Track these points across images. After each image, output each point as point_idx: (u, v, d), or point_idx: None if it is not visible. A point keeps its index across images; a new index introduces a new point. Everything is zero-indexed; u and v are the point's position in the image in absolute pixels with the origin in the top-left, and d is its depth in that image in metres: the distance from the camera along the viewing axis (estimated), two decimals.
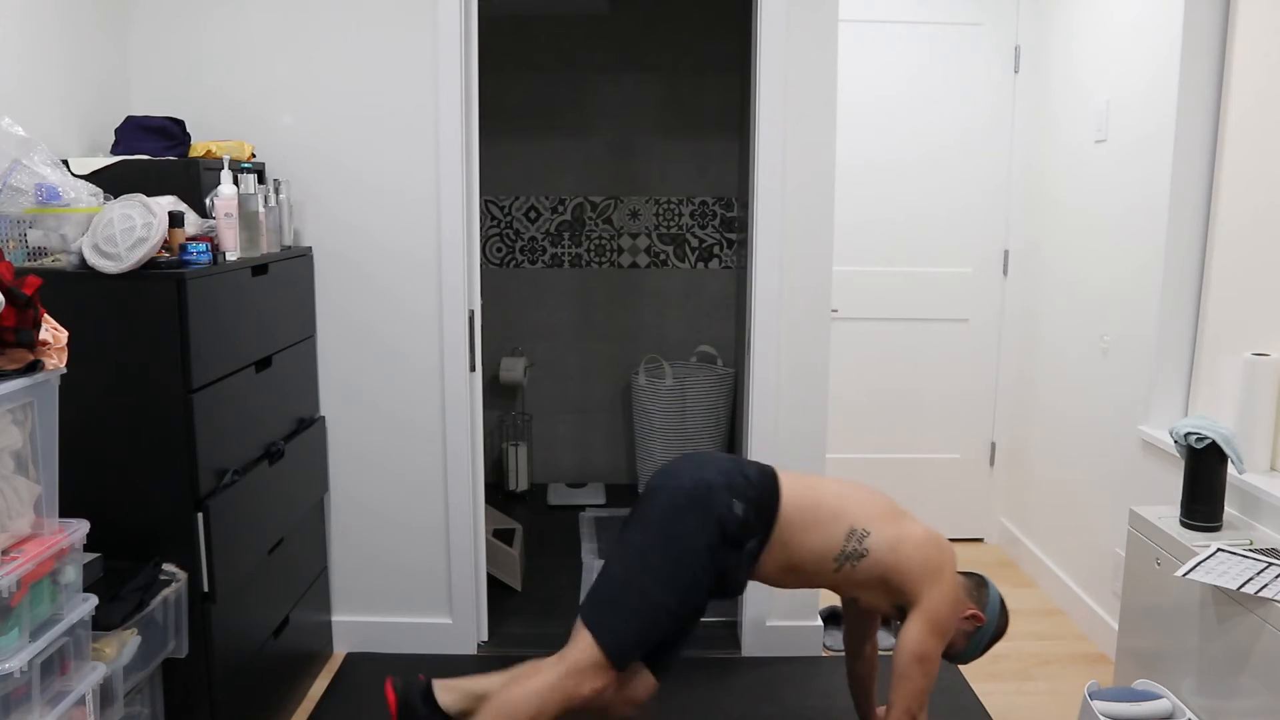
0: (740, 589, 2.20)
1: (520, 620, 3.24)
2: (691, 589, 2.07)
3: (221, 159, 2.48)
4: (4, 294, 1.56)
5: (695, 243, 4.57)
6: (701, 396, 4.30)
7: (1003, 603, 2.31)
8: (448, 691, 2.21)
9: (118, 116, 2.71)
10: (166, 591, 2.07)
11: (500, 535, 3.57)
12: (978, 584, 2.31)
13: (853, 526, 2.14)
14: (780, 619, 3.05)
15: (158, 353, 2.07)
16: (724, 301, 4.62)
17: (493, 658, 3.03)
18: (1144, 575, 2.47)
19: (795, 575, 2.19)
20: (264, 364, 2.49)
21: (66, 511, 1.78)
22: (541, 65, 4.42)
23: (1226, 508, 2.42)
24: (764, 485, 2.14)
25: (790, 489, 2.16)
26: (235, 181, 2.38)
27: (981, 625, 2.26)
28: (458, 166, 2.82)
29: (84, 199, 2.10)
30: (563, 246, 4.57)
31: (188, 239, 2.20)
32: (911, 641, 2.13)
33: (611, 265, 4.59)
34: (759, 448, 2.98)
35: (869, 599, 2.23)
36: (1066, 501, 3.41)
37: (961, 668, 2.96)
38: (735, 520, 2.08)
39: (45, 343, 1.67)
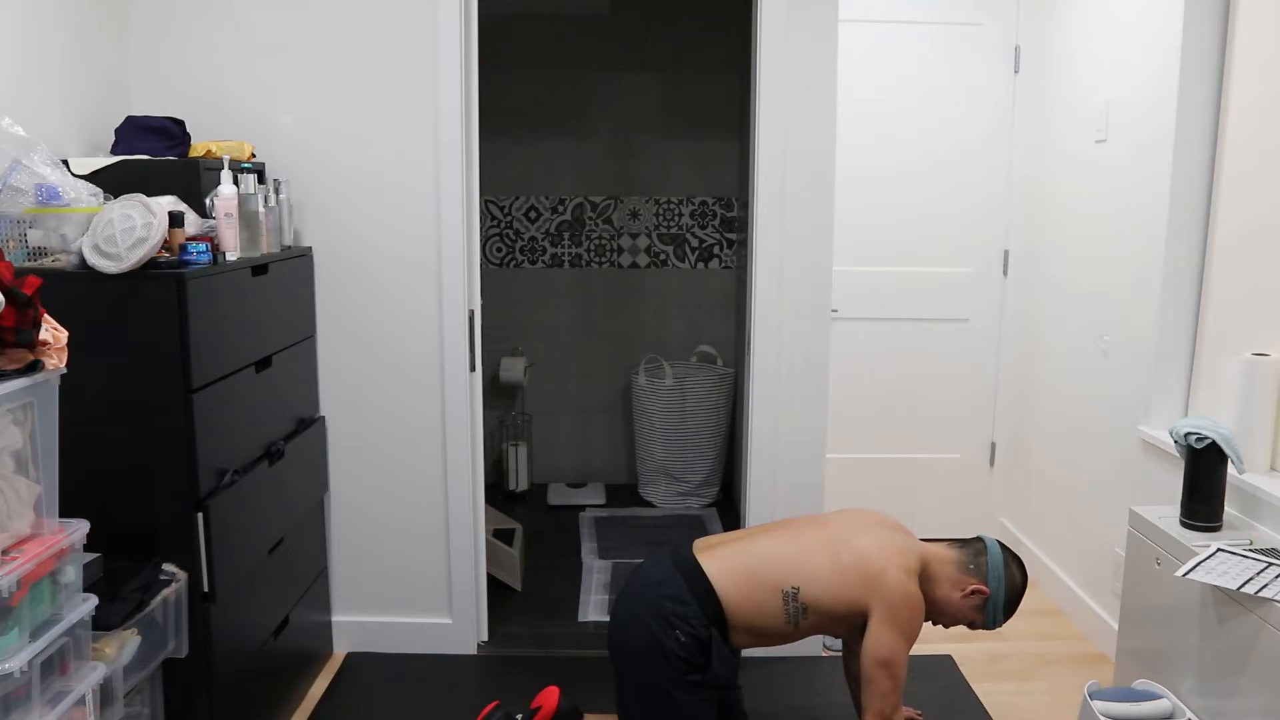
0: (734, 674, 2.25)
1: (520, 620, 3.24)
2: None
3: (221, 159, 2.47)
4: (4, 294, 1.56)
5: (695, 243, 4.57)
6: (701, 396, 4.30)
7: (1009, 559, 2.26)
8: None
9: (118, 116, 2.71)
10: (166, 591, 2.07)
11: (500, 535, 3.57)
12: (975, 553, 2.27)
13: (782, 589, 2.17)
14: None
15: (158, 353, 2.07)
16: (724, 301, 4.62)
17: (492, 658, 3.03)
18: (1144, 575, 2.47)
19: (769, 639, 2.25)
20: (264, 364, 2.49)
21: (66, 511, 1.77)
22: (541, 65, 4.42)
23: (1226, 508, 2.42)
24: (696, 591, 2.17)
25: (721, 575, 2.19)
26: (235, 181, 2.38)
27: (988, 595, 2.23)
28: (458, 166, 2.81)
29: (84, 199, 2.10)
30: (563, 246, 4.57)
31: (188, 239, 2.20)
32: (872, 645, 2.14)
33: (611, 265, 4.59)
34: (759, 448, 2.98)
35: (836, 634, 2.29)
36: (1066, 501, 3.41)
37: (961, 668, 2.96)
38: (689, 648, 2.15)
39: (45, 343, 1.67)
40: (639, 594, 2.23)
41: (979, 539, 2.31)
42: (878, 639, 2.13)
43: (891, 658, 2.13)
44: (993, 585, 2.23)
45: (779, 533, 2.30)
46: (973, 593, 2.23)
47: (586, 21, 4.39)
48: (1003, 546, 2.29)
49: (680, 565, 2.22)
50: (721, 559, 2.22)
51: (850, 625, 2.22)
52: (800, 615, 2.18)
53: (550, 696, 2.54)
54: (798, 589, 2.17)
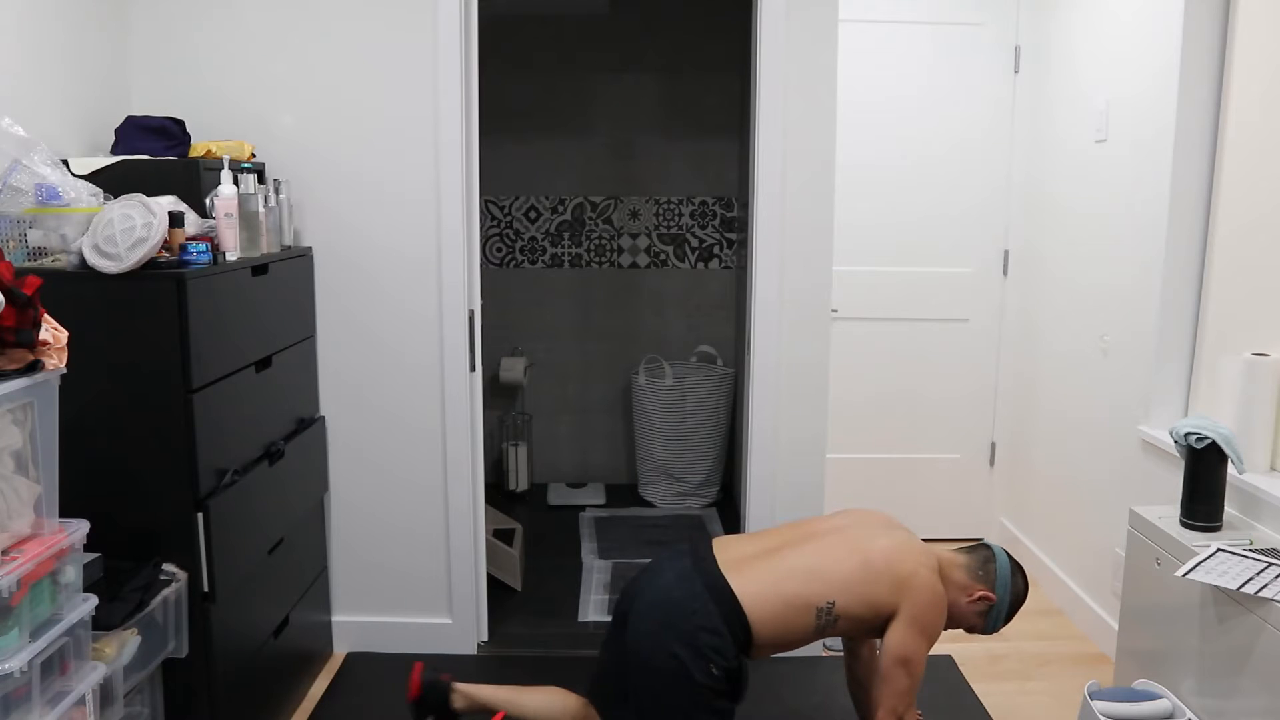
0: (747, 682, 2.24)
1: (520, 620, 3.24)
2: None
3: (221, 159, 2.47)
4: (4, 294, 1.56)
5: (695, 243, 4.57)
6: (701, 396, 4.30)
7: (1015, 570, 2.27)
8: (463, 697, 2.40)
9: (118, 116, 2.71)
10: (166, 591, 2.07)
11: (500, 535, 3.57)
12: (984, 560, 2.27)
13: (817, 606, 2.13)
14: None
15: (158, 353, 2.07)
16: (724, 301, 4.62)
17: (492, 657, 3.03)
18: (1144, 575, 2.47)
19: (788, 647, 2.21)
20: (264, 364, 2.49)
21: (66, 511, 1.77)
22: (541, 65, 4.42)
23: (1226, 508, 2.42)
24: (727, 618, 2.10)
25: (753, 599, 2.11)
26: (235, 181, 2.38)
27: (994, 603, 2.24)
28: (458, 166, 2.81)
29: (84, 199, 2.10)
30: (563, 246, 4.57)
31: (188, 239, 2.20)
32: (894, 644, 2.13)
33: (611, 265, 4.59)
34: (759, 448, 2.98)
35: (852, 636, 2.28)
36: (1066, 501, 3.41)
37: (961, 668, 2.96)
38: (719, 679, 2.09)
39: (45, 343, 1.67)
40: (667, 619, 2.11)
41: (985, 545, 2.32)
42: (900, 638, 2.12)
43: (913, 656, 2.12)
44: (999, 593, 2.24)
45: (805, 545, 2.22)
46: (980, 599, 2.23)
47: (586, 21, 4.39)
48: (1008, 555, 2.30)
49: (708, 584, 2.13)
50: (751, 581, 2.14)
51: (871, 628, 2.20)
52: (829, 626, 2.16)
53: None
54: (833, 603, 2.13)
